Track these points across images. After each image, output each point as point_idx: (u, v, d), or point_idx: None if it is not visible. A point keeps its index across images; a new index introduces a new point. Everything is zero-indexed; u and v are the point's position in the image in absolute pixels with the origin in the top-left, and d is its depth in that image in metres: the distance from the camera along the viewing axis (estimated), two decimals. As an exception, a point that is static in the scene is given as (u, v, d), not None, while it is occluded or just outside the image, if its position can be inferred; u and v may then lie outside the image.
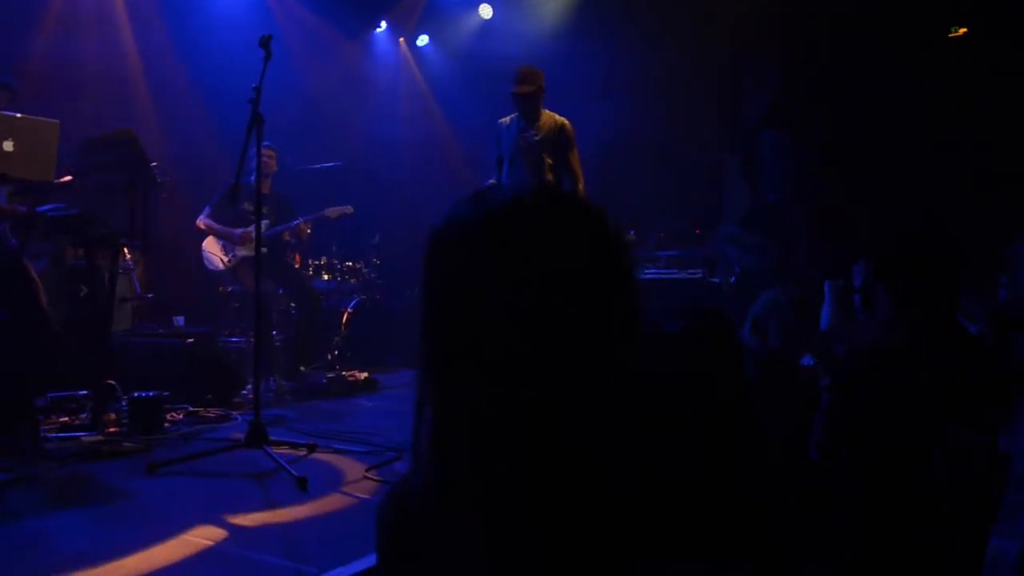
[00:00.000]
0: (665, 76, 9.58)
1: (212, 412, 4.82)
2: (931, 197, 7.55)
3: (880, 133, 8.13)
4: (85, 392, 4.55)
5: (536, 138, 5.03)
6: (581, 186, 5.14)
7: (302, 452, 3.83)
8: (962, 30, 8.43)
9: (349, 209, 6.57)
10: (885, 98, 8.06)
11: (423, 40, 10.20)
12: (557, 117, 5.11)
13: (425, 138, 10.06)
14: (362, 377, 6.03)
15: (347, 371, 6.15)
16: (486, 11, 9.69)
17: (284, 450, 3.78)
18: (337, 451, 3.91)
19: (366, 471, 3.49)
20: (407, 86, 10.15)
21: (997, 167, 7.16)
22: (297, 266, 6.98)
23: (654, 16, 9.22)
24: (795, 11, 8.26)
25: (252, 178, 5.91)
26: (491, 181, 5.23)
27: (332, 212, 6.51)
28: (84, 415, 4.44)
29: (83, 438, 4.05)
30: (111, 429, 4.29)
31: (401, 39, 10.13)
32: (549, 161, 5.08)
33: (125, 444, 3.96)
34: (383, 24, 9.83)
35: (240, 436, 3.75)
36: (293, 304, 7.03)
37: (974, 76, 7.78)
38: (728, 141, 9.98)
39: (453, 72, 10.08)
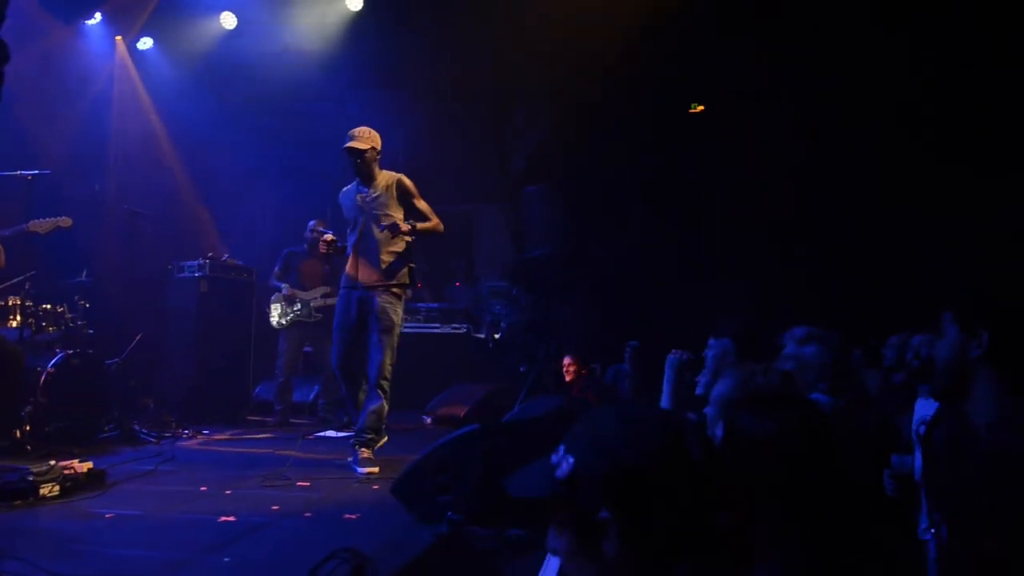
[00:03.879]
0: (420, 122, 8.66)
1: None
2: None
3: (642, 192, 7.99)
4: None
5: (374, 196, 4.76)
6: (436, 220, 4.85)
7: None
8: (699, 107, 8.64)
9: (66, 221, 4.66)
10: (642, 160, 7.96)
11: (146, 43, 8.15)
12: (392, 173, 4.87)
13: (145, 155, 8.00)
14: (83, 470, 4.07)
15: (62, 460, 4.13)
16: (229, 20, 7.99)
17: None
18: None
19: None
20: (126, 95, 8.02)
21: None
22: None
23: (413, 59, 8.26)
24: (563, 63, 7.81)
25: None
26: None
27: (40, 225, 4.53)
28: None
29: None
30: None
31: (119, 38, 7.98)
32: (393, 215, 4.77)
33: None
34: (97, 16, 7.63)
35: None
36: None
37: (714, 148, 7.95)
38: (482, 191, 9.32)
39: (182, 84, 8.18)
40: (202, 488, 4.11)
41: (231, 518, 3.48)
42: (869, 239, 6.07)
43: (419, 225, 4.75)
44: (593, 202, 7.67)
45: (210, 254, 7.04)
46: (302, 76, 7.95)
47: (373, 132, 4.78)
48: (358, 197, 4.82)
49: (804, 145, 6.73)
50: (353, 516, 3.58)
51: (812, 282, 6.14)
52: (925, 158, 5.93)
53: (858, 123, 6.56)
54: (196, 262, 6.93)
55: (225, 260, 7.11)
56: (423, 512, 3.42)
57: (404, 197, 4.80)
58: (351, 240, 4.85)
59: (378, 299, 4.70)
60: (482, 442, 3.50)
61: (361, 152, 4.70)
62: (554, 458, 1.18)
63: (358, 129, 4.75)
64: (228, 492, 4.02)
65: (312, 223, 6.98)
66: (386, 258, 4.74)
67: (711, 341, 3.74)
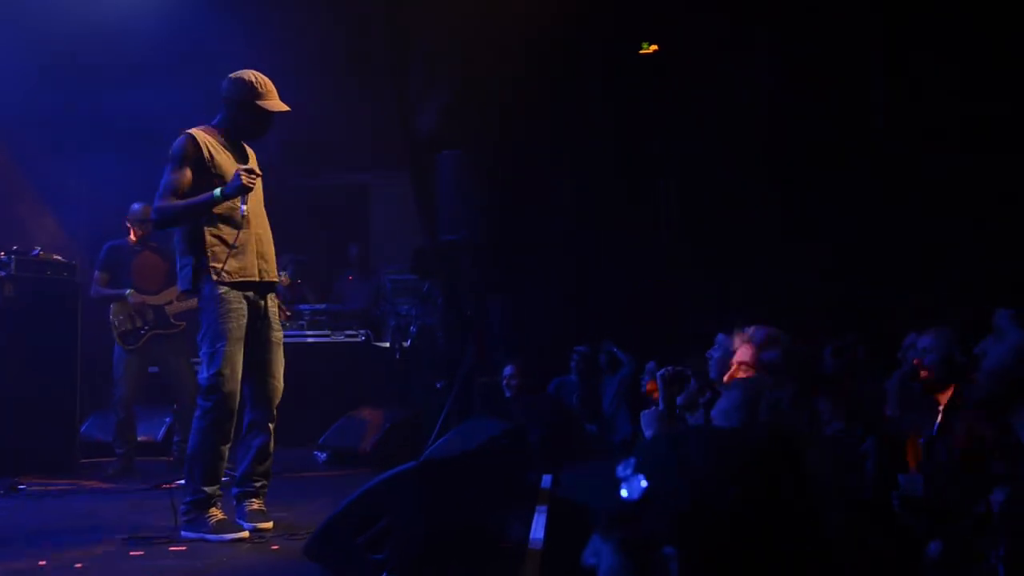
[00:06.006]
0: (293, 68, 8.57)
1: None
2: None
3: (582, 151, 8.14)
4: None
5: (251, 169, 4.56)
6: None
7: None
8: (652, 47, 8.90)
9: None
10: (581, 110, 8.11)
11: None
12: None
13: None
14: None
15: None
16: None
17: None
18: None
19: None
20: None
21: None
22: None
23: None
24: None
25: None
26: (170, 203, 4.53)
27: None
28: None
29: None
30: None
31: None
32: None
33: None
34: None
35: None
36: None
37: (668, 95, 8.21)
38: (378, 157, 9.33)
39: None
40: (40, 563, 4.01)
41: (93, 598, 3.44)
42: (877, 222, 6.40)
43: None
44: (524, 171, 7.78)
45: (15, 247, 6.80)
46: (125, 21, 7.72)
47: None
48: (237, 166, 4.52)
49: (789, 98, 7.05)
50: (258, 586, 3.59)
51: (805, 276, 6.44)
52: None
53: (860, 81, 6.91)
54: (-3, 258, 6.68)
55: (36, 254, 6.89)
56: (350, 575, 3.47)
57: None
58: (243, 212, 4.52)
59: (270, 301, 4.68)
60: (420, 484, 3.58)
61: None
62: (620, 470, 1.26)
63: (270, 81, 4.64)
64: (78, 565, 3.95)
65: (137, 207, 6.80)
66: (274, 251, 4.75)
67: (720, 338, 3.85)
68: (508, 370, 6.64)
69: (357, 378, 7.87)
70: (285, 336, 7.96)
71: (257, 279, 4.57)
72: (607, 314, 7.30)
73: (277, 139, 8.72)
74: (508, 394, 6.70)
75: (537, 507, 4.47)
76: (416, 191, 8.48)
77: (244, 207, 4.44)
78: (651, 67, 8.49)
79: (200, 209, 4.43)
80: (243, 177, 4.33)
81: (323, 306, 8.31)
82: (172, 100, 7.90)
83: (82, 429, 7.34)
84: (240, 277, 4.50)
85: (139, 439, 6.91)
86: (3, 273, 6.65)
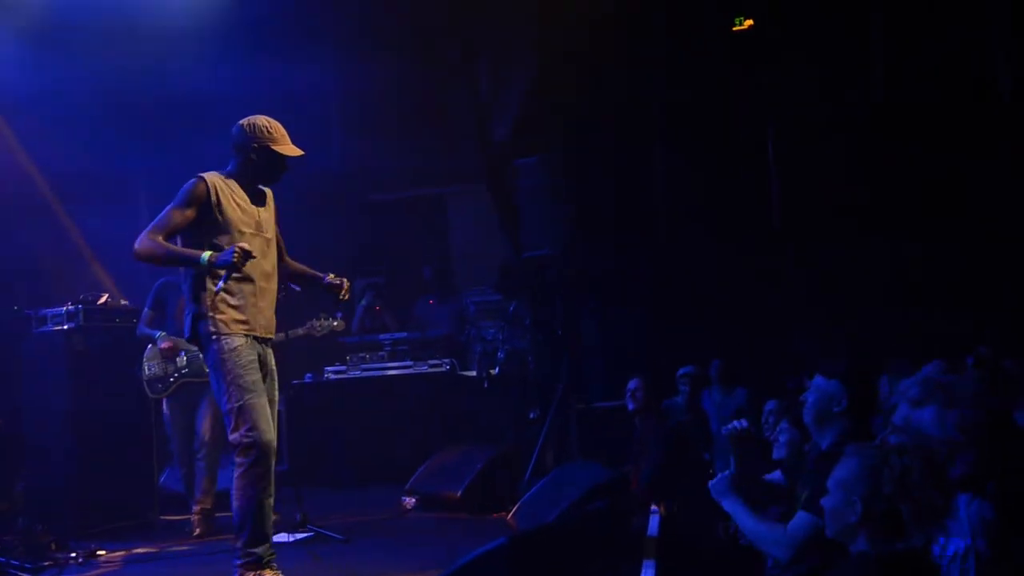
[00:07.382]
0: (361, 77, 8.63)
1: None
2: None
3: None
4: None
5: (268, 216, 4.98)
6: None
7: None
8: (748, 22, 8.71)
9: None
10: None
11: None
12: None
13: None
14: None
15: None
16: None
17: None
18: None
19: None
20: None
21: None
22: None
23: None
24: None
25: None
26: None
27: None
28: None
29: None
30: None
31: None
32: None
33: None
34: None
35: None
36: None
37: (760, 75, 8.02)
38: (454, 167, 9.32)
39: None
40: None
41: None
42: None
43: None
44: (614, 175, 7.70)
45: (81, 296, 6.96)
46: (181, 28, 7.86)
47: None
48: (258, 211, 4.85)
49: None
50: None
51: (936, 282, 6.22)
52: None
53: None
54: (63, 309, 6.83)
55: (105, 303, 7.03)
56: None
57: (277, 219, 5.06)
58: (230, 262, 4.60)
59: (271, 357, 4.89)
60: (512, 562, 3.55)
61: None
62: None
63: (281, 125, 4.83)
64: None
65: None
66: (273, 310, 4.91)
67: (818, 381, 3.69)
68: (633, 383, 6.55)
69: (443, 412, 7.88)
70: (366, 369, 8.21)
71: (260, 334, 4.74)
72: (709, 331, 7.18)
73: (341, 153, 8.83)
74: (631, 407, 6.60)
75: (644, 561, 4.41)
76: (496, 203, 8.46)
77: (221, 285, 4.50)
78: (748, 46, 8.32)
79: (179, 263, 4.72)
80: (236, 256, 4.40)
81: (403, 335, 8.33)
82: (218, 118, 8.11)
83: (160, 480, 7.50)
84: (246, 330, 4.66)
85: (217, 490, 6.96)
86: (72, 324, 6.79)
